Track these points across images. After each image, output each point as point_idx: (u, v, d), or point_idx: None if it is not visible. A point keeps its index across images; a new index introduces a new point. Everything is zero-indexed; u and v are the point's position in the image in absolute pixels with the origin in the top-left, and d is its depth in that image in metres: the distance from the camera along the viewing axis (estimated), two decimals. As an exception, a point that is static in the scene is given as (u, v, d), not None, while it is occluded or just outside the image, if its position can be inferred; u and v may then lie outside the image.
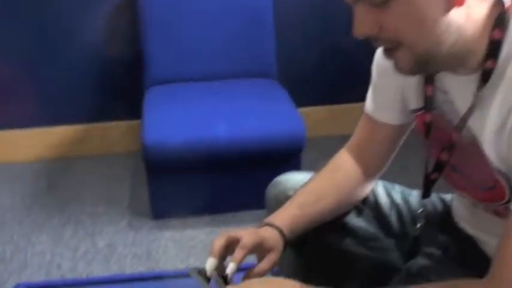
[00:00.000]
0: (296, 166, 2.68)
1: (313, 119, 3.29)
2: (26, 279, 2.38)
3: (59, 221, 2.81)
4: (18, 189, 3.11)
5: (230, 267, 1.16)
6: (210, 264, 1.16)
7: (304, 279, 1.12)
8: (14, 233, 2.73)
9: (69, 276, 2.40)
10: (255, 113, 2.74)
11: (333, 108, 3.55)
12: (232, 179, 2.77)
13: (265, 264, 1.20)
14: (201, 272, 1.17)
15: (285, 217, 1.29)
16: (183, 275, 1.52)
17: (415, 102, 1.24)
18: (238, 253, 1.17)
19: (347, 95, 3.44)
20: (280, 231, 1.25)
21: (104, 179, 3.17)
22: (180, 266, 2.43)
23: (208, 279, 1.17)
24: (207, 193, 2.75)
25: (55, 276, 2.40)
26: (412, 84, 1.23)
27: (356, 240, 1.42)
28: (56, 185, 3.15)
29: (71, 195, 3.03)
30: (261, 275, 1.19)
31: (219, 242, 1.17)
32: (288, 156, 2.70)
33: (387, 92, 1.30)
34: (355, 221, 1.42)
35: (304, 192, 1.36)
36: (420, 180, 1.29)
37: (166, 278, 1.52)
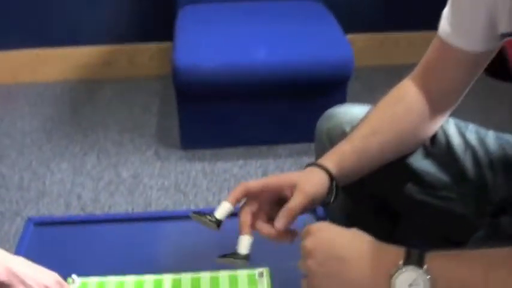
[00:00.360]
0: (341, 97, 2.52)
1: (360, 46, 3.08)
2: (44, 209, 2.32)
3: (81, 148, 2.71)
4: (39, 112, 3.01)
5: (222, 205, 1.06)
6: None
7: (357, 227, 0.97)
8: (32, 159, 2.64)
9: (90, 208, 2.33)
10: (297, 37, 2.55)
11: (382, 37, 3.33)
12: (269, 109, 2.62)
13: (294, 200, 1.05)
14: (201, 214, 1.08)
15: (333, 155, 1.13)
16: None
17: (508, 24, 1.03)
18: (235, 191, 1.06)
19: (399, 23, 3.24)
20: (326, 170, 1.09)
21: (130, 104, 3.06)
22: (211, 200, 2.35)
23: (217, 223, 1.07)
24: (241, 123, 2.64)
25: (74, 207, 2.33)
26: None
27: (421, 187, 1.24)
28: (79, 109, 3.04)
29: (94, 120, 2.93)
30: (295, 211, 1.04)
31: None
32: (333, 86, 2.53)
33: (470, 9, 1.09)
34: (421, 163, 1.23)
35: (357, 127, 1.19)
36: (496, 118, 1.10)
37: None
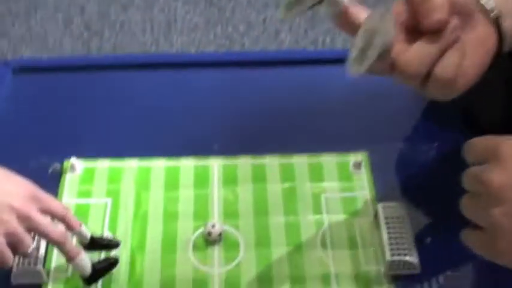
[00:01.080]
0: None
1: None
2: (38, 28, 2.24)
3: None
4: None
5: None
6: None
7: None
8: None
9: (96, 26, 2.27)
10: None
11: None
12: None
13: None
14: None
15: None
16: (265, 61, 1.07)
17: None
18: None
19: None
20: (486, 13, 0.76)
21: None
22: (254, 19, 2.17)
23: None
24: None
25: (76, 26, 2.26)
26: None
27: None
28: None
29: None
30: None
31: None
32: None
33: None
34: None
35: None
36: None
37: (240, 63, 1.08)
